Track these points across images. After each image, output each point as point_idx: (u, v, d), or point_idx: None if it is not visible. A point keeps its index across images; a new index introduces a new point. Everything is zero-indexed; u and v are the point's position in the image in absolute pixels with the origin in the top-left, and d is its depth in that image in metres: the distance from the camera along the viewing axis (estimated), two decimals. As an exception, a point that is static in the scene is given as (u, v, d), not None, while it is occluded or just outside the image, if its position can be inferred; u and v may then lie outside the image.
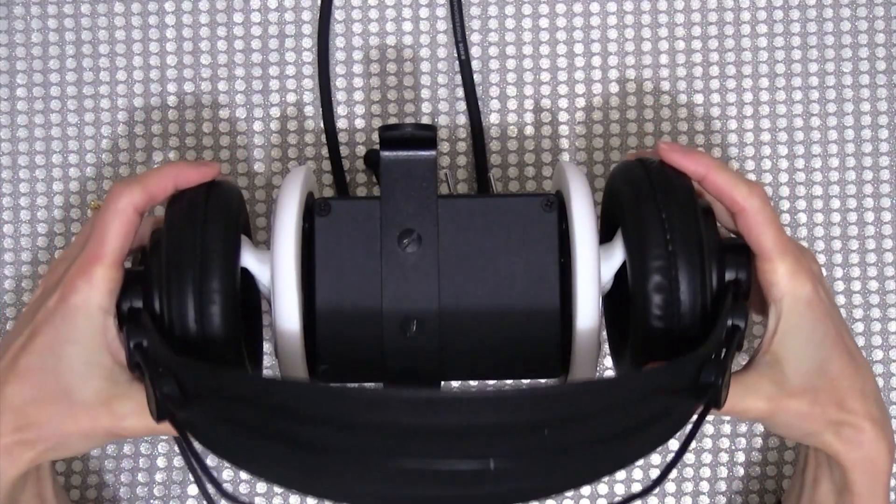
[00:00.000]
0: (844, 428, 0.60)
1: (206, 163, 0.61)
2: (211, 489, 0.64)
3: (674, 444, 0.72)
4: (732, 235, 0.62)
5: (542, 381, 0.71)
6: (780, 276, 0.59)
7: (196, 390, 0.54)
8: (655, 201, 0.59)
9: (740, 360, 0.68)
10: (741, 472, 0.72)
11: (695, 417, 0.56)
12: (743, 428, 0.72)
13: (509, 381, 0.72)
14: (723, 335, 0.57)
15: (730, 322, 0.57)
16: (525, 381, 0.72)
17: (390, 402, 0.51)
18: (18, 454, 0.57)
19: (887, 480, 0.61)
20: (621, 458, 0.56)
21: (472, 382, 0.72)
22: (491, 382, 0.72)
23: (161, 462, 0.72)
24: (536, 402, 0.51)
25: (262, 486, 0.73)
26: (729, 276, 0.60)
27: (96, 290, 0.57)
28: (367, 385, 0.63)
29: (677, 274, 0.57)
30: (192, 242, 0.57)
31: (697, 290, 0.57)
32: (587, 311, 0.58)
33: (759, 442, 0.72)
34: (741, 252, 0.60)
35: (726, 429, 0.72)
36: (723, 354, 0.57)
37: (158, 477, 0.72)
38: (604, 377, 0.57)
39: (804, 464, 0.65)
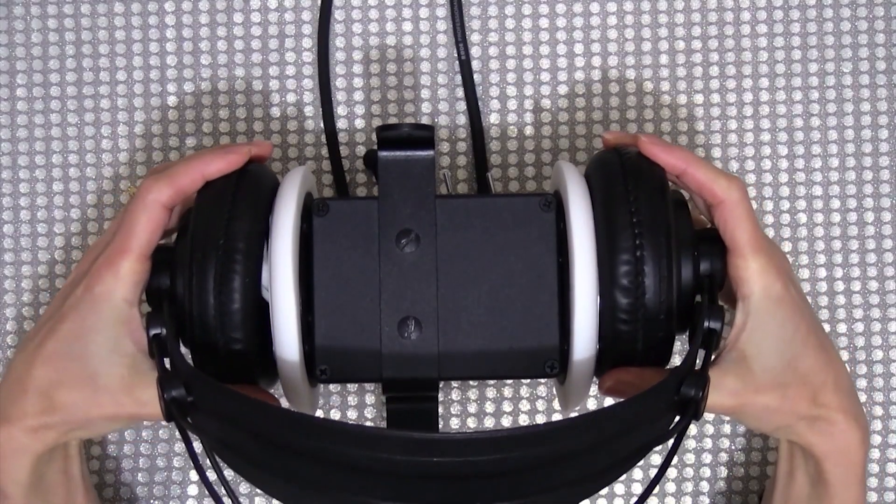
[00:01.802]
0: (817, 421, 0.60)
1: (235, 150, 0.61)
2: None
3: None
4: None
5: (542, 381, 0.72)
6: (752, 273, 0.59)
7: (202, 398, 0.55)
8: (625, 188, 0.59)
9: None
10: (741, 472, 0.72)
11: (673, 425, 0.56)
12: (743, 428, 0.72)
13: (508, 381, 0.72)
14: (700, 342, 0.57)
15: (707, 324, 0.58)
16: (524, 381, 0.72)
17: (388, 440, 0.51)
18: (43, 433, 0.59)
19: (861, 471, 0.61)
20: (607, 480, 0.57)
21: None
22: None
23: (161, 462, 0.72)
24: (526, 442, 0.52)
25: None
26: (704, 266, 0.60)
27: (121, 283, 0.59)
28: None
29: (643, 255, 0.58)
30: (216, 234, 0.58)
31: (663, 274, 0.58)
32: (585, 310, 0.58)
33: (759, 442, 0.72)
34: (715, 242, 0.60)
35: (726, 429, 0.72)
36: (702, 358, 0.57)
37: (158, 477, 0.72)
38: (592, 411, 0.57)
39: (778, 456, 0.65)
